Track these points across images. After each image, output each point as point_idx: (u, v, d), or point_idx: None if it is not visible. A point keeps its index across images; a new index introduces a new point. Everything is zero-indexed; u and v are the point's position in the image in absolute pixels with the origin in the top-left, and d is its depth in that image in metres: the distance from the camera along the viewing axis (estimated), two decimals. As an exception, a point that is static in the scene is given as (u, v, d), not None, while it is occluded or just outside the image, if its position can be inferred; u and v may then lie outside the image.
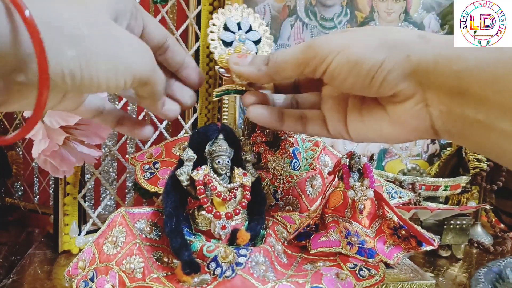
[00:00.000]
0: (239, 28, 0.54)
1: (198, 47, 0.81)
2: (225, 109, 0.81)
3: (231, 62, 0.48)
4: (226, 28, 0.53)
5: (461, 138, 0.39)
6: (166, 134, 0.79)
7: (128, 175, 0.76)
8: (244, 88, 0.50)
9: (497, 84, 0.34)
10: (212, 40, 0.52)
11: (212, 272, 0.45)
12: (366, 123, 0.44)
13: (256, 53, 0.53)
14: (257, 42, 0.54)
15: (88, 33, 0.30)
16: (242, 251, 0.47)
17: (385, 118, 0.42)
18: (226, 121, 0.80)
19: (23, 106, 0.32)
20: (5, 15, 0.26)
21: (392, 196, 0.70)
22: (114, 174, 0.86)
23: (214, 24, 0.52)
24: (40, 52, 0.26)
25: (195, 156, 0.51)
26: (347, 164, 0.59)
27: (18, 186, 0.88)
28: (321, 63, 0.40)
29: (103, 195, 0.85)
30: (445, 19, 0.90)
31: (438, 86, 0.37)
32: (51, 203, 0.82)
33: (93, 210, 0.73)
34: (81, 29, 0.30)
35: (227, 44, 0.52)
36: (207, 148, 0.52)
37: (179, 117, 0.80)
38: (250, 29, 0.54)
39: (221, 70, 0.51)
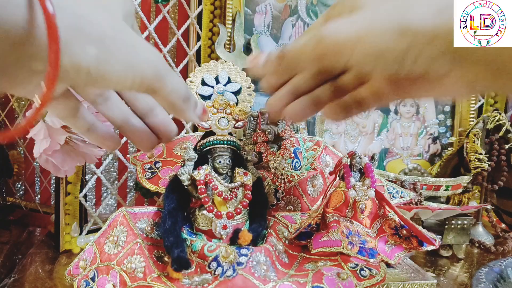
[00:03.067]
0: (217, 82, 0.56)
1: (199, 46, 0.81)
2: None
3: (249, 65, 0.46)
4: (204, 84, 0.55)
5: None
6: (167, 134, 0.79)
7: (129, 174, 0.76)
8: None
9: None
10: None
11: (213, 271, 0.45)
12: (417, 95, 0.44)
13: (237, 103, 0.55)
14: (237, 93, 0.55)
15: (111, 35, 0.32)
16: (243, 251, 0.47)
17: (433, 90, 0.41)
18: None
19: (25, 93, 0.33)
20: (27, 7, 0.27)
21: (393, 196, 0.70)
22: (115, 173, 0.86)
23: (191, 82, 0.55)
24: (54, 45, 0.28)
25: (196, 156, 0.51)
26: (348, 163, 0.59)
27: (19, 186, 0.88)
28: (340, 57, 0.38)
29: (104, 194, 0.85)
30: (447, 19, 0.90)
31: (474, 62, 0.36)
32: (52, 203, 0.82)
33: (94, 210, 0.73)
34: (105, 32, 0.32)
35: (206, 98, 0.54)
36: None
37: (180, 117, 0.80)
38: (229, 81, 0.56)
39: (200, 123, 0.52)
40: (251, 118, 0.70)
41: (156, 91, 0.37)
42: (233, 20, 0.81)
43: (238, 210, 0.50)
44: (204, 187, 0.49)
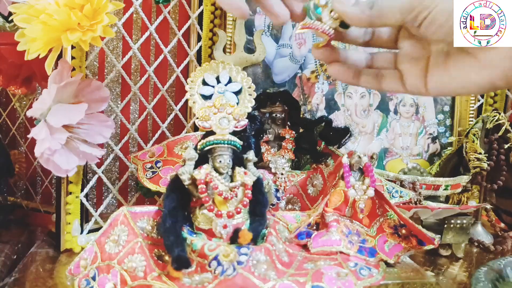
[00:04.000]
0: (218, 82, 0.56)
1: (200, 47, 0.81)
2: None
3: (335, 1, 0.48)
4: (204, 83, 0.55)
5: None
6: (168, 134, 0.79)
7: (130, 174, 0.76)
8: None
9: None
10: (191, 95, 0.54)
11: (213, 270, 0.45)
12: (452, 73, 0.45)
13: (237, 103, 0.55)
14: (238, 93, 0.55)
15: None
16: (243, 250, 0.47)
17: (475, 65, 0.44)
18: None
19: None
20: None
21: (392, 196, 0.70)
22: (116, 173, 0.87)
23: (192, 81, 0.55)
24: None
25: (197, 155, 0.52)
26: (348, 163, 0.59)
27: (20, 185, 0.88)
28: (424, 10, 0.42)
29: (105, 194, 0.85)
30: (446, 19, 0.90)
31: None
32: (53, 202, 0.82)
33: (95, 209, 0.73)
34: None
35: (207, 97, 0.54)
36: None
37: (181, 116, 0.80)
38: (230, 81, 0.56)
39: (201, 123, 0.52)
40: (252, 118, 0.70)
41: None
42: (234, 21, 0.81)
43: (238, 210, 0.50)
44: (204, 186, 0.49)
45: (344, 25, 0.50)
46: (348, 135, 0.69)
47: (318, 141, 0.71)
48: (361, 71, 0.52)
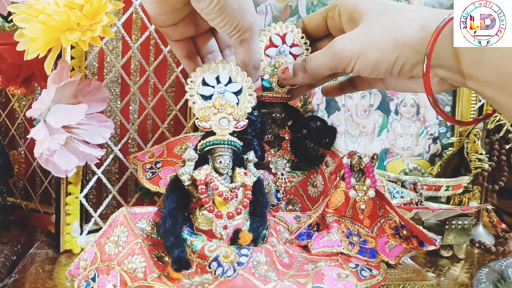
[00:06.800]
0: (218, 82, 0.56)
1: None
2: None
3: (280, 78, 0.64)
4: (204, 83, 0.55)
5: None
6: (167, 134, 0.79)
7: (129, 174, 0.76)
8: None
9: (481, 63, 0.44)
10: (191, 95, 0.54)
11: (213, 271, 0.45)
12: (401, 84, 0.57)
13: (237, 103, 0.55)
14: (238, 93, 0.55)
15: None
16: (244, 251, 0.47)
17: (415, 84, 0.54)
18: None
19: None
20: None
21: (393, 196, 0.70)
22: (116, 173, 0.86)
23: (192, 82, 0.55)
24: None
25: (197, 156, 0.52)
26: (349, 164, 0.59)
27: (20, 186, 0.88)
28: (347, 66, 0.54)
29: (105, 194, 0.85)
30: (447, 19, 0.90)
31: (442, 66, 0.49)
32: (52, 203, 0.82)
33: (94, 210, 0.73)
34: None
35: (206, 98, 0.54)
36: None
37: (181, 117, 0.80)
38: (230, 81, 0.56)
39: (201, 123, 0.53)
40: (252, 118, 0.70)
41: (245, 40, 0.51)
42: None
43: (239, 210, 0.50)
44: (204, 187, 0.49)
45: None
46: (334, 134, 0.69)
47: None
48: (342, 84, 0.68)
